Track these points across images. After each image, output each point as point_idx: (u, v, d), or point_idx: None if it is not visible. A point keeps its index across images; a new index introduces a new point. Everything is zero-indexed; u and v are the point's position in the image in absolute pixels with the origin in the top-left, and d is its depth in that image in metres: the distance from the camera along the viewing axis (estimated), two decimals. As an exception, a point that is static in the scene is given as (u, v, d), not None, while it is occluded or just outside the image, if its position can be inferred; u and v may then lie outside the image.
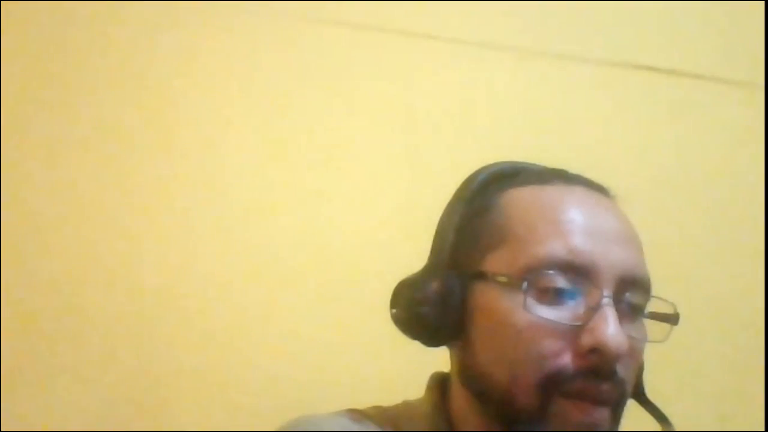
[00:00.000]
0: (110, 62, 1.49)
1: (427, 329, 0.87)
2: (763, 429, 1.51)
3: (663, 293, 1.66)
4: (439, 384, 0.91)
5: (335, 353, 1.44)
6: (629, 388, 0.85)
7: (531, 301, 0.81)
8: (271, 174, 1.50)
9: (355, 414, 0.90)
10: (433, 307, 0.85)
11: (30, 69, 1.46)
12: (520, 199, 0.88)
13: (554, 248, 0.82)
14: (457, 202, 0.91)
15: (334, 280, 1.46)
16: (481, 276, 0.84)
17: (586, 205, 0.87)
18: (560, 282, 0.81)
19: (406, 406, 0.93)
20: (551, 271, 0.81)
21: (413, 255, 1.41)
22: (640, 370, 0.90)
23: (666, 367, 1.55)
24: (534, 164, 0.96)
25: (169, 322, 1.42)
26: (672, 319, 0.88)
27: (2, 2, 1.46)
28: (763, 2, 1.69)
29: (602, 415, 0.81)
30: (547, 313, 0.81)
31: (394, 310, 0.90)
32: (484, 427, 0.85)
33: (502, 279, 0.82)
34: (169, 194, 1.46)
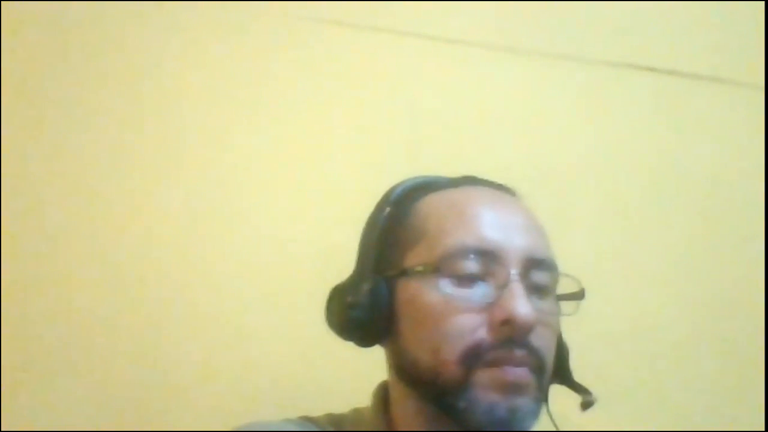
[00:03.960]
0: (110, 62, 1.49)
1: (359, 330, 0.96)
2: (763, 429, 1.51)
3: (663, 293, 1.67)
4: (381, 389, 1.00)
5: (336, 353, 1.44)
6: (547, 358, 0.92)
7: (446, 285, 0.91)
8: (272, 173, 1.50)
9: (302, 419, 1.00)
10: (363, 308, 0.94)
11: (30, 69, 1.46)
12: (432, 202, 0.98)
13: (464, 237, 0.92)
14: (378, 213, 1.00)
15: (337, 280, 1.46)
16: (403, 272, 0.94)
17: (491, 201, 0.97)
18: (471, 267, 0.91)
19: (355, 411, 1.01)
20: (462, 258, 0.91)
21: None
22: (563, 352, 0.99)
23: (666, 367, 1.55)
24: (444, 177, 1.04)
25: (169, 322, 1.42)
26: (577, 296, 0.96)
27: (2, 2, 1.46)
28: (763, 2, 1.69)
29: (522, 373, 0.89)
30: (461, 293, 0.90)
31: (327, 316, 1.00)
32: (420, 420, 0.93)
33: (420, 269, 0.92)
34: (170, 193, 1.46)
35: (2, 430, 1.34)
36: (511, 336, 0.89)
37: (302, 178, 1.50)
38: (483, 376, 0.88)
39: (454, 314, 0.90)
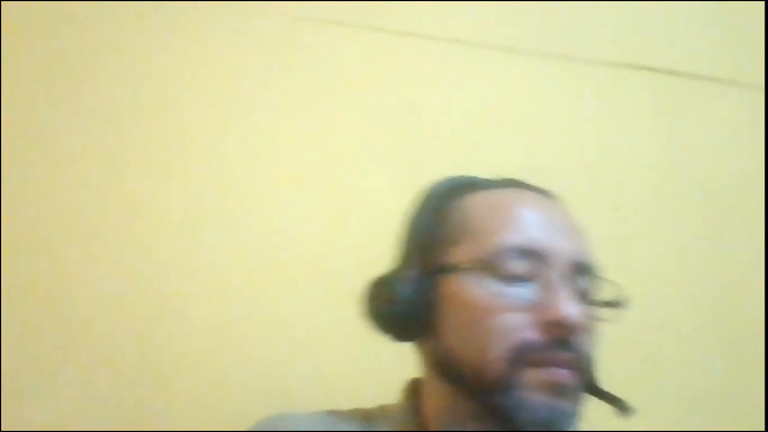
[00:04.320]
0: (110, 62, 1.49)
1: (400, 324, 0.95)
2: (763, 429, 1.51)
3: (663, 293, 1.67)
4: (412, 386, 1.00)
5: (336, 353, 1.44)
6: (589, 363, 0.93)
7: (494, 283, 0.91)
8: (273, 173, 1.50)
9: (331, 412, 0.99)
10: (405, 303, 0.94)
11: (30, 69, 1.46)
12: (477, 200, 0.98)
13: (512, 237, 0.92)
14: (421, 209, 1.01)
15: (337, 280, 1.46)
16: (447, 268, 0.93)
17: (536, 203, 0.98)
18: (519, 266, 0.91)
19: (382, 408, 1.01)
20: (511, 257, 0.91)
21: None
22: (593, 362, 0.97)
23: (666, 367, 1.55)
24: (484, 177, 1.05)
25: (169, 322, 1.42)
26: (617, 304, 0.96)
27: (2, 2, 1.46)
28: (763, 2, 1.69)
29: (567, 375, 0.89)
30: (509, 291, 0.90)
31: (367, 309, 0.98)
32: (458, 418, 0.93)
33: (467, 266, 0.92)
34: (168, 194, 1.46)
35: (2, 430, 1.34)
36: (558, 337, 0.89)
37: (302, 178, 1.50)
38: (529, 376, 0.88)
39: (502, 312, 0.90)
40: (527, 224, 0.94)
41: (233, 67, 1.52)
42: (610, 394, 0.97)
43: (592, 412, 0.98)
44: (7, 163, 1.42)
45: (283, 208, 1.49)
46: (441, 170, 1.53)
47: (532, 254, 0.91)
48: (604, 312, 0.96)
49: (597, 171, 1.61)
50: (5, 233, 1.40)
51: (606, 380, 0.98)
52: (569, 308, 0.89)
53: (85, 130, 1.46)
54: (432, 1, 1.59)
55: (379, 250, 1.48)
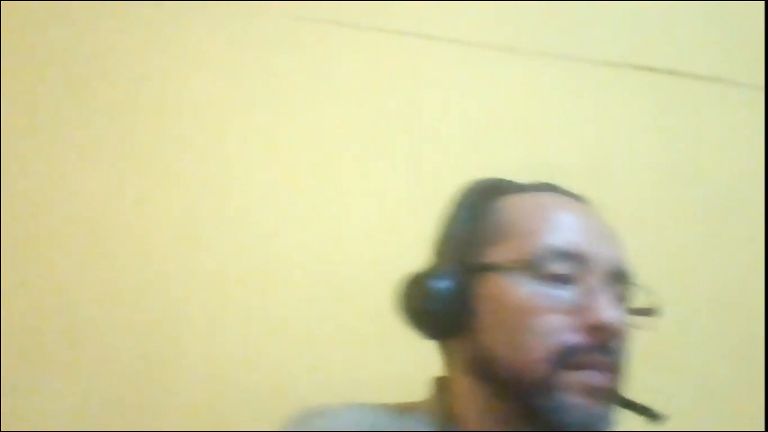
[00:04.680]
0: (110, 62, 1.49)
1: (436, 321, 0.95)
2: (763, 429, 1.51)
3: (663, 293, 1.66)
4: (440, 384, 0.99)
5: (336, 353, 1.44)
6: (624, 366, 0.93)
7: (536, 283, 0.91)
8: (273, 174, 1.50)
9: (372, 406, 0.98)
10: (443, 300, 0.93)
11: (30, 69, 1.46)
12: (517, 202, 0.98)
13: (554, 239, 0.93)
14: (458, 208, 1.00)
15: (336, 280, 1.46)
16: (486, 267, 0.93)
17: (575, 208, 0.99)
18: (561, 268, 0.91)
19: (409, 404, 0.99)
20: (553, 259, 0.91)
21: (415, 255, 1.41)
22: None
23: (666, 367, 1.55)
24: (514, 180, 1.04)
25: (169, 322, 1.42)
26: (651, 312, 0.97)
27: (2, 2, 1.46)
28: (763, 2, 1.69)
29: (606, 379, 0.90)
30: (551, 293, 0.90)
31: (402, 305, 0.97)
32: (491, 417, 0.92)
33: (508, 265, 0.92)
34: (169, 194, 1.46)
35: (2, 430, 1.34)
36: (599, 341, 0.89)
37: (302, 178, 1.50)
38: (569, 378, 0.88)
39: (544, 313, 0.90)
40: (568, 227, 0.94)
41: (233, 67, 1.52)
42: (638, 403, 0.97)
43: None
44: (7, 162, 1.42)
45: (282, 209, 1.49)
46: (441, 170, 1.54)
47: (574, 257, 0.92)
48: (638, 319, 0.96)
49: (597, 171, 1.60)
50: (5, 233, 1.40)
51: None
52: (611, 312, 0.90)
53: (85, 130, 1.46)
54: (432, 1, 1.59)
55: (379, 250, 1.49)
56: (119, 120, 1.47)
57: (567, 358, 0.88)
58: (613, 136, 1.63)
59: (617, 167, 1.61)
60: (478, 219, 0.97)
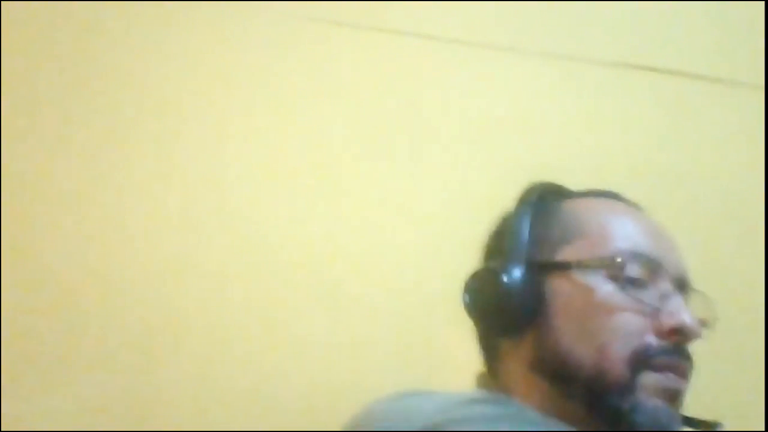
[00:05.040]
0: (110, 62, 1.49)
1: (507, 317, 0.93)
2: (763, 429, 1.51)
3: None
4: (487, 380, 0.98)
5: (336, 353, 1.44)
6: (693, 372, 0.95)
7: (613, 284, 0.91)
8: (273, 173, 1.50)
9: (459, 395, 0.93)
10: (515, 296, 0.92)
11: (30, 69, 1.46)
12: (586, 205, 0.99)
13: (630, 242, 0.94)
14: (523, 208, 0.99)
15: (336, 280, 1.46)
16: (560, 266, 0.93)
17: (642, 215, 1.01)
18: (636, 271, 0.92)
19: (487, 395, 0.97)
20: (631, 262, 0.92)
21: (415, 255, 1.41)
22: None
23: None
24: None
25: (169, 322, 1.42)
26: (709, 323, 0.98)
27: (2, 2, 1.46)
28: (763, 2, 1.69)
29: (683, 382, 0.92)
30: (632, 294, 0.91)
31: (471, 300, 0.96)
32: (560, 418, 0.90)
33: (586, 264, 0.92)
34: (170, 194, 1.46)
35: (2, 430, 1.34)
36: (677, 345, 0.91)
37: (301, 178, 1.50)
38: (648, 380, 0.89)
39: (625, 313, 0.90)
40: (641, 232, 0.96)
41: (233, 67, 1.52)
42: (699, 420, 0.98)
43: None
44: (7, 162, 1.42)
45: (282, 208, 1.49)
46: (441, 170, 1.54)
47: (649, 261, 0.93)
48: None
49: (597, 171, 1.60)
50: (5, 233, 1.40)
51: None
52: (689, 317, 0.91)
53: (84, 130, 1.46)
54: (432, 1, 1.59)
55: (379, 250, 1.49)
56: (119, 119, 1.47)
57: (648, 360, 0.89)
58: (613, 135, 1.63)
59: (617, 167, 1.61)
60: (546, 218, 0.97)
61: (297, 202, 1.49)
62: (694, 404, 1.57)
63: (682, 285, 0.95)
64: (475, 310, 0.96)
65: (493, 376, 0.98)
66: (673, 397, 0.90)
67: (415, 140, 1.55)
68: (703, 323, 0.97)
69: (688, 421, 0.97)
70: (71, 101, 1.46)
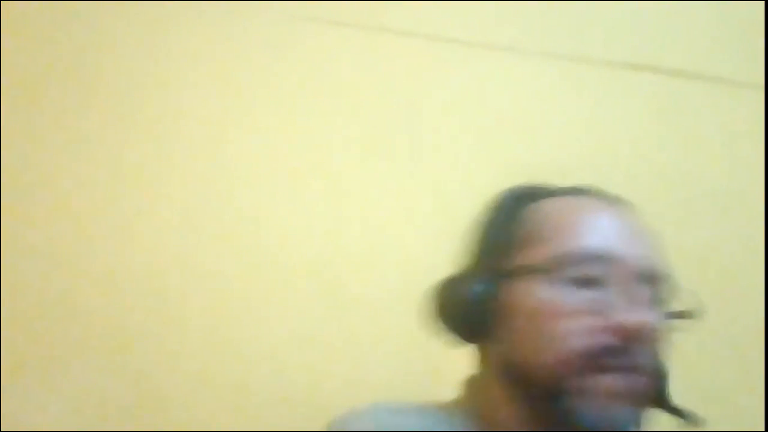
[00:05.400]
0: (110, 62, 1.49)
1: (467, 327, 0.95)
2: (763, 429, 1.51)
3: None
4: (471, 384, 0.99)
5: (335, 353, 1.44)
6: (655, 371, 0.93)
7: (560, 286, 0.90)
8: (273, 173, 1.50)
9: (418, 406, 0.97)
10: (473, 304, 0.94)
11: (30, 69, 1.46)
12: (547, 207, 0.98)
13: (578, 241, 0.92)
14: (492, 213, 1.00)
15: (336, 280, 1.46)
16: (515, 272, 0.93)
17: (607, 210, 0.98)
18: (587, 271, 0.90)
19: (446, 404, 0.99)
20: (578, 262, 0.91)
21: (415, 256, 1.41)
22: (664, 375, 0.98)
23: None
24: (551, 184, 1.03)
25: (169, 322, 1.42)
26: (687, 314, 0.97)
27: (2, 2, 1.46)
28: (763, 2, 1.69)
29: (630, 381, 0.89)
30: (575, 296, 0.90)
31: (433, 310, 0.98)
32: (519, 420, 0.92)
33: (534, 269, 0.92)
34: (169, 194, 1.46)
35: (2, 430, 1.34)
36: (623, 343, 0.89)
37: (301, 178, 1.50)
38: (590, 382, 0.88)
39: (564, 316, 0.90)
40: (594, 230, 0.94)
41: (233, 67, 1.52)
42: (677, 408, 0.97)
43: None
44: (7, 163, 1.42)
45: (282, 208, 1.49)
46: (441, 170, 1.54)
47: (598, 259, 0.91)
48: (676, 321, 0.95)
49: (597, 171, 1.60)
50: (5, 233, 1.40)
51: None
52: (632, 315, 0.89)
53: (84, 130, 1.46)
54: (432, 1, 1.59)
55: (380, 250, 1.49)
56: (119, 119, 1.47)
57: (587, 361, 0.88)
58: (612, 135, 1.63)
59: (617, 167, 1.61)
60: (509, 224, 0.97)
61: (297, 201, 1.49)
62: (695, 404, 1.57)
63: (649, 279, 0.93)
64: (437, 320, 0.98)
65: (469, 382, 1.00)
66: (622, 396, 0.88)
67: (415, 140, 1.55)
68: (682, 315, 0.96)
69: (670, 408, 0.96)
70: (71, 101, 1.46)
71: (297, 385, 1.42)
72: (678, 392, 1.54)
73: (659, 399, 0.96)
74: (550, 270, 0.91)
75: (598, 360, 0.88)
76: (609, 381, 0.88)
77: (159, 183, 1.46)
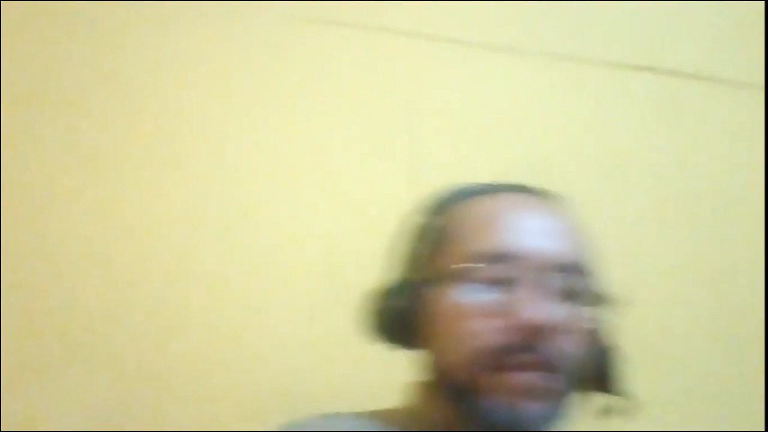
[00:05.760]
0: (110, 62, 1.49)
1: (394, 335, 0.98)
2: (763, 429, 1.51)
3: (663, 292, 1.66)
4: (413, 389, 1.01)
5: (337, 353, 1.44)
6: (565, 363, 0.91)
7: (462, 290, 0.92)
8: (273, 173, 1.50)
9: (360, 415, 0.99)
10: (397, 313, 0.97)
11: (30, 69, 1.46)
12: (463, 209, 0.99)
13: (482, 243, 0.93)
14: (416, 220, 1.02)
15: (336, 280, 1.46)
16: (431, 278, 0.95)
17: (519, 207, 0.98)
18: (490, 271, 0.91)
19: (386, 410, 1.02)
20: (478, 264, 0.92)
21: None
22: (603, 359, 0.98)
23: (666, 367, 1.55)
24: (486, 182, 1.03)
25: (169, 322, 1.42)
26: (609, 304, 0.96)
27: (2, 2, 1.46)
28: (763, 2, 1.69)
29: (531, 377, 0.89)
30: (475, 298, 0.91)
31: (364, 319, 1.01)
32: (446, 420, 0.94)
33: (443, 275, 0.93)
34: (169, 193, 1.46)
35: (2, 430, 1.34)
36: (528, 341, 0.89)
37: (302, 179, 1.50)
38: (495, 380, 0.89)
39: (467, 318, 0.91)
40: (501, 229, 0.94)
41: (233, 67, 1.52)
42: (621, 392, 0.98)
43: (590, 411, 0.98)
44: (7, 163, 1.42)
45: (283, 209, 1.49)
46: (441, 170, 1.54)
47: (504, 258, 0.92)
48: (596, 312, 0.95)
49: (597, 170, 1.61)
50: (5, 233, 1.40)
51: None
52: (533, 311, 0.89)
53: (84, 131, 1.46)
54: (432, 1, 1.59)
55: (380, 252, 1.49)
56: (119, 119, 1.47)
57: (494, 360, 0.89)
58: (613, 136, 1.63)
59: (617, 167, 1.61)
60: (431, 230, 0.99)
61: (297, 201, 1.49)
62: (695, 404, 1.57)
63: (562, 273, 0.92)
64: (367, 329, 1.00)
65: (411, 387, 1.01)
66: (526, 393, 0.89)
67: (415, 140, 1.55)
68: (596, 303, 0.94)
69: (609, 391, 0.97)
70: (71, 101, 1.46)
71: (298, 385, 1.42)
72: (678, 392, 1.55)
73: (600, 383, 0.97)
74: (460, 273, 0.92)
75: (504, 358, 0.89)
76: (516, 378, 0.89)
77: (159, 183, 1.46)
